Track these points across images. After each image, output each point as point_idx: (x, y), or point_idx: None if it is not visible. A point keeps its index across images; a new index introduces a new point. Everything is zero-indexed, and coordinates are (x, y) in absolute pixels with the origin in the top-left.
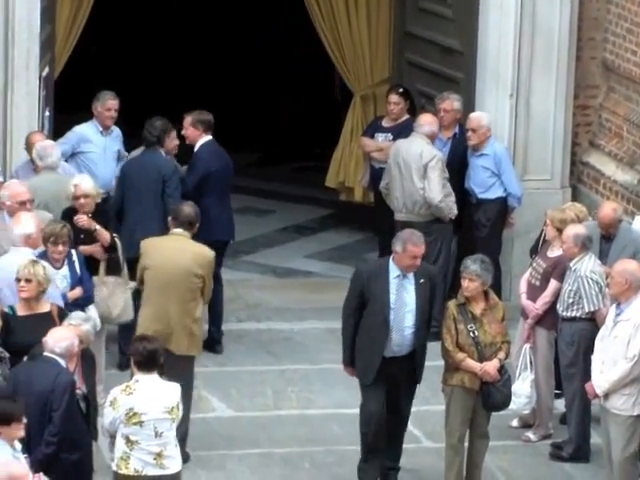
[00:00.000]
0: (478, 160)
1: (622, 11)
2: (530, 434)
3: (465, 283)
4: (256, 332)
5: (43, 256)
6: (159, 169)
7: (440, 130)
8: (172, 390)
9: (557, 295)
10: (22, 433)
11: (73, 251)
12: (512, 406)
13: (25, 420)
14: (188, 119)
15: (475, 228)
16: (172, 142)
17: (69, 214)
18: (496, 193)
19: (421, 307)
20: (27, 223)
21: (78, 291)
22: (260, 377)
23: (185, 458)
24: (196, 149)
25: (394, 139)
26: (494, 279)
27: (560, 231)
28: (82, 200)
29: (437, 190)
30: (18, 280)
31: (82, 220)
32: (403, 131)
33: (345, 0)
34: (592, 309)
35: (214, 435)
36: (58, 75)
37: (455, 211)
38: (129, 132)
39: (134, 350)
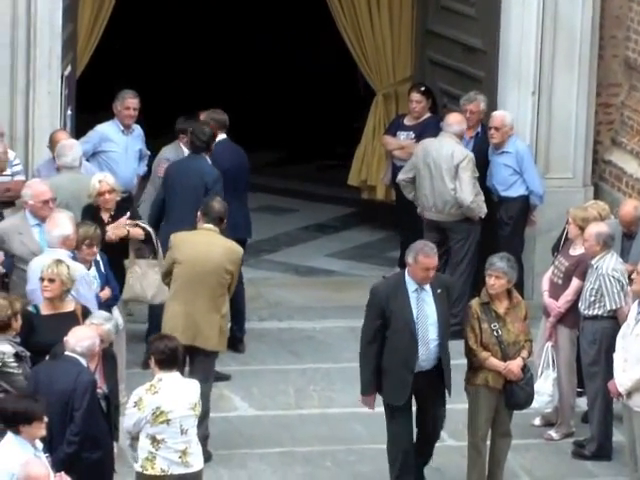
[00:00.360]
0: (500, 158)
1: None
2: (552, 432)
3: (491, 280)
4: (278, 331)
5: (73, 258)
6: (202, 176)
7: None
8: (193, 386)
9: (579, 293)
10: (43, 432)
11: None
12: (534, 405)
13: (46, 419)
14: (203, 117)
15: (497, 226)
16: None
17: (90, 212)
18: (518, 191)
19: (442, 318)
20: (65, 224)
21: (108, 291)
22: (282, 376)
23: (207, 457)
24: None
25: (416, 137)
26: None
27: (582, 229)
28: (107, 196)
29: (468, 191)
30: (42, 280)
31: (115, 235)
32: (425, 129)
33: None
34: (614, 307)
35: (236, 434)
36: (80, 74)
37: (485, 210)
38: (151, 131)
39: (155, 349)
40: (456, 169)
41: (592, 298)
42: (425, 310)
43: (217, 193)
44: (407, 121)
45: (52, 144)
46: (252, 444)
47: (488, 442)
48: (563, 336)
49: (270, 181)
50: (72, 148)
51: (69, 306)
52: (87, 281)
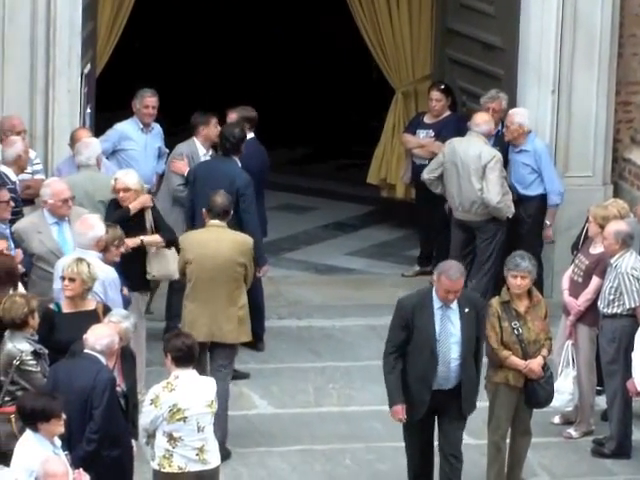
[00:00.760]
0: (518, 156)
1: None
2: (572, 431)
3: (518, 281)
4: (297, 329)
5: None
6: (232, 180)
7: None
8: (209, 384)
9: (599, 292)
10: (62, 429)
11: None
12: (555, 403)
13: (64, 416)
14: (233, 116)
15: (517, 225)
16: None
17: (115, 206)
18: (537, 190)
19: (467, 338)
20: (99, 226)
21: (125, 290)
22: (301, 374)
23: (226, 455)
24: None
25: (435, 135)
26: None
27: (603, 228)
28: (122, 194)
29: (496, 191)
30: (62, 278)
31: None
32: (445, 127)
33: None
34: (633, 305)
35: (255, 432)
36: (100, 72)
37: (512, 210)
38: (171, 129)
39: (172, 347)
40: (484, 169)
41: (611, 296)
42: (449, 328)
43: (249, 197)
44: (427, 119)
45: (73, 142)
46: (271, 442)
47: (508, 440)
48: (583, 334)
49: (290, 179)
50: (88, 146)
51: (90, 304)
52: (116, 285)
